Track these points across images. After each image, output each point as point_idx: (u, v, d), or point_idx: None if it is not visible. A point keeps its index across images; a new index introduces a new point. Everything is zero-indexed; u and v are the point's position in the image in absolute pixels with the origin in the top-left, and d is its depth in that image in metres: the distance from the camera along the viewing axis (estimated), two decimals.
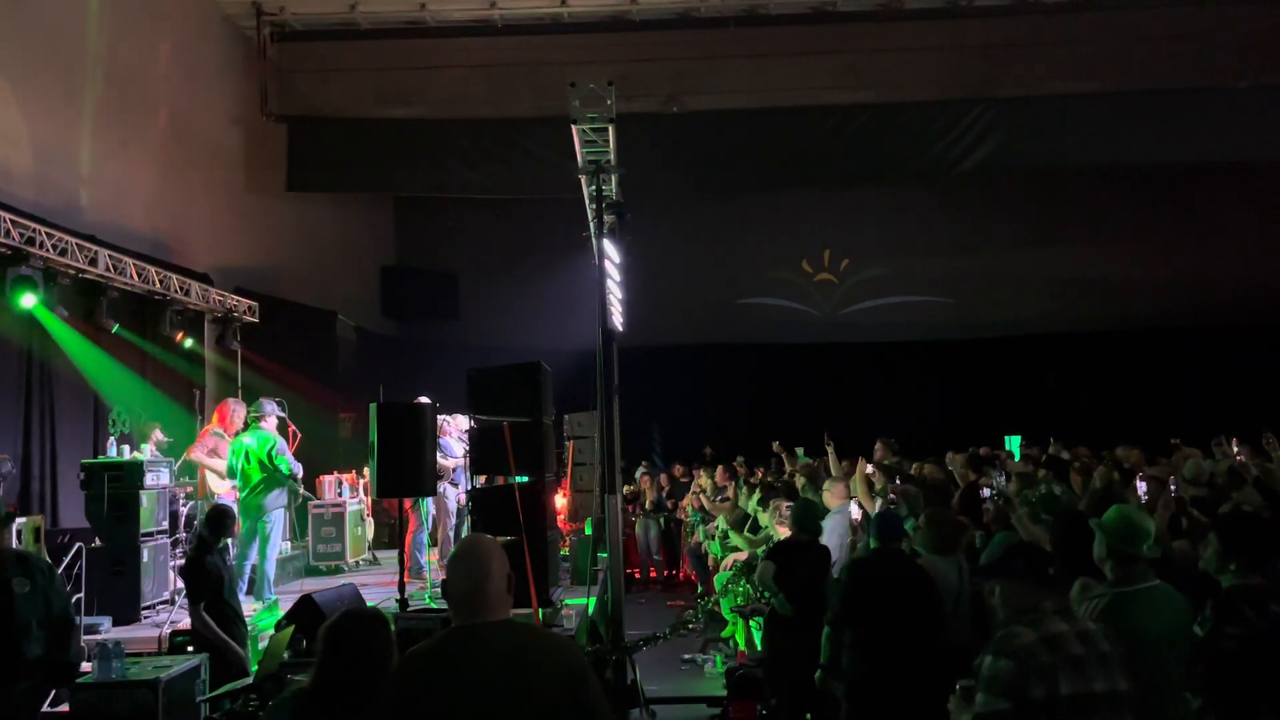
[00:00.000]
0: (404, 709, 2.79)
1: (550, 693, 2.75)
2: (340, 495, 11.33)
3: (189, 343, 10.84)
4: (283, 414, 9.36)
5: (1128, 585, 3.63)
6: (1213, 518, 5.23)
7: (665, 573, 14.27)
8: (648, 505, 14.43)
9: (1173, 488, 5.22)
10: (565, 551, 9.41)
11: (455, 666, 2.78)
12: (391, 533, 12.08)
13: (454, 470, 10.25)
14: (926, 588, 4.95)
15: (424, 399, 8.63)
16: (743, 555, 8.59)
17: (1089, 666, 3.08)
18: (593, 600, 8.05)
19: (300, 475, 9.14)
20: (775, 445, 11.02)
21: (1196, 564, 4.48)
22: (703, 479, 12.67)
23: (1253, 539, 3.89)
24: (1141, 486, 5.43)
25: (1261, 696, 3.57)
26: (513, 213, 17.44)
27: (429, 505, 10.19)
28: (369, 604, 6.96)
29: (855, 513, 6.85)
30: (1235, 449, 8.37)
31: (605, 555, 7.74)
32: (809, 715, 5.90)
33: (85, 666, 5.77)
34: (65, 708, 5.68)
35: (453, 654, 2.82)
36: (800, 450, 12.48)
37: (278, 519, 8.63)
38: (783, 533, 7.11)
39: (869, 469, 7.91)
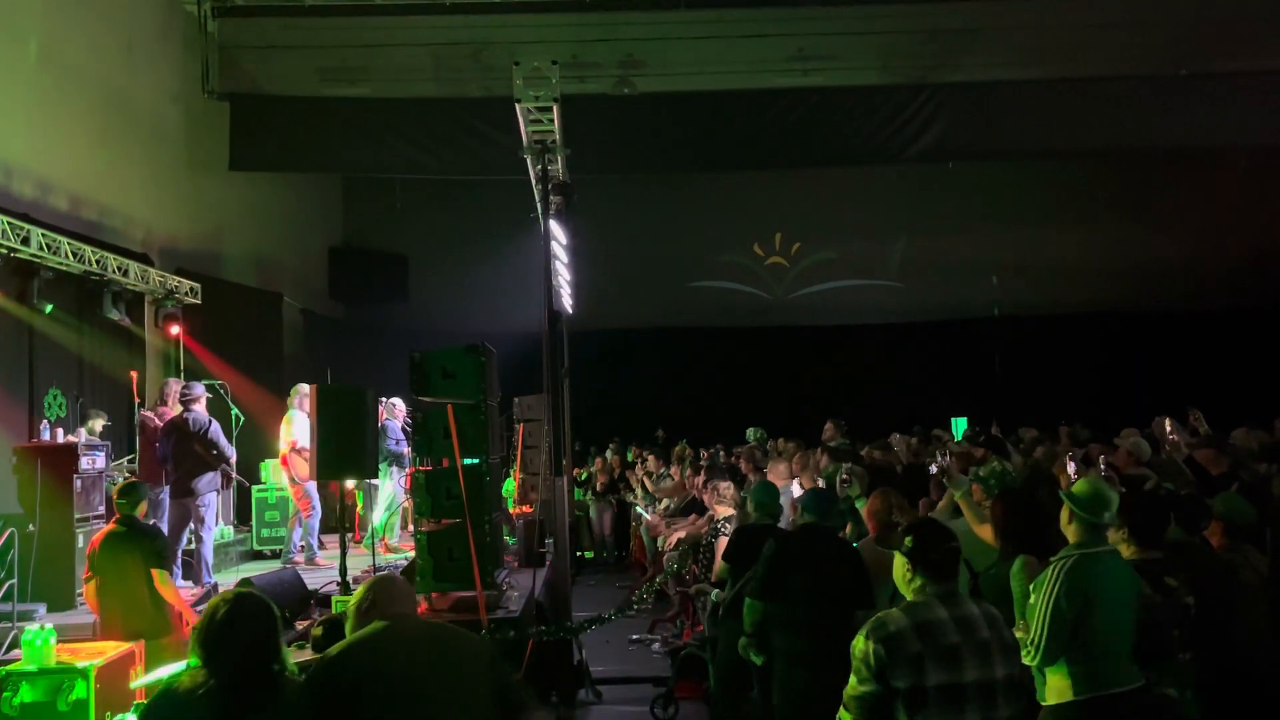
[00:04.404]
0: (340, 695, 2.97)
1: (472, 657, 3.19)
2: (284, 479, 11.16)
3: (128, 324, 10.60)
4: (210, 395, 9.19)
5: (1090, 548, 3.74)
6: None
7: (617, 554, 14.31)
8: (599, 487, 14.45)
9: (1102, 468, 5.31)
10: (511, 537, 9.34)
11: (383, 646, 3.09)
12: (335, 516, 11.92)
13: None
14: (853, 565, 4.98)
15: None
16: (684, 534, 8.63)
17: (963, 655, 3.05)
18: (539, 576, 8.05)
19: (234, 459, 9.02)
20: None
21: None
22: (649, 463, 12.71)
23: (1148, 516, 4.14)
24: (1071, 466, 5.51)
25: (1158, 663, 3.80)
26: (463, 194, 17.28)
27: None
28: (309, 588, 6.93)
29: (797, 492, 6.88)
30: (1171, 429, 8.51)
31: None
32: (753, 695, 5.92)
33: (16, 653, 5.62)
34: None
35: (377, 638, 3.11)
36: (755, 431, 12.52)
37: (210, 502, 8.51)
38: (721, 511, 7.12)
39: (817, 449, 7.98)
